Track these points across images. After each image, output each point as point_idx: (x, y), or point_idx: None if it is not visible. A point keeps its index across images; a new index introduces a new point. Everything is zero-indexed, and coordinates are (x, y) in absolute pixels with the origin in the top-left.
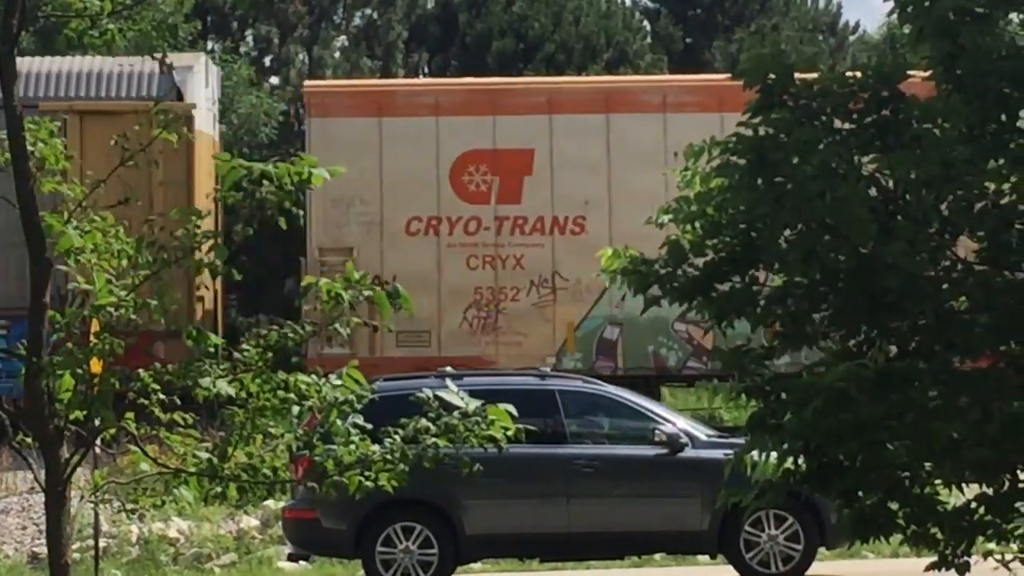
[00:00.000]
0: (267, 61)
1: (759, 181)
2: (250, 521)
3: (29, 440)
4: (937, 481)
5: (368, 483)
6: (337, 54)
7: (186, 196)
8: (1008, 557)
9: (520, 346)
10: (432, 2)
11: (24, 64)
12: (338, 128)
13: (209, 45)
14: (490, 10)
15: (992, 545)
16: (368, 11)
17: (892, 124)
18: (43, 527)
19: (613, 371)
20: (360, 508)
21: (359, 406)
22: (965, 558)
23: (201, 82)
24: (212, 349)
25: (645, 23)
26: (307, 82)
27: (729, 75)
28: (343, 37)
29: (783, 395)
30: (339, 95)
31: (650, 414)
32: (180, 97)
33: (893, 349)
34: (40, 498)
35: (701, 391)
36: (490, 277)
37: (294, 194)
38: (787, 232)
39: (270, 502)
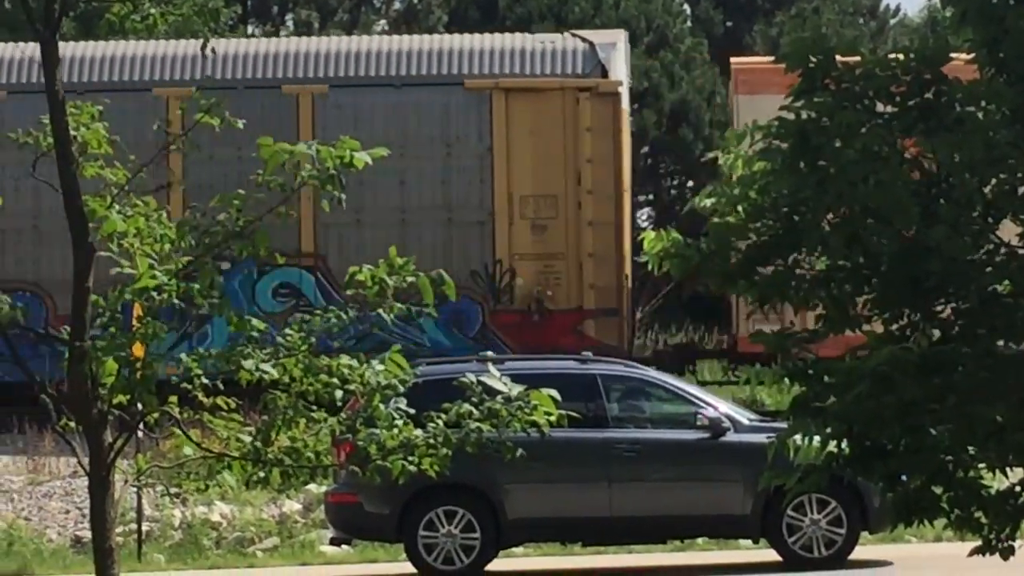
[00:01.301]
0: None
1: (802, 165)
2: (292, 505)
3: (73, 424)
4: (981, 465)
5: (411, 468)
6: None
7: (613, 173)
8: None
9: None
10: None
11: (452, 41)
12: (766, 104)
13: (249, 29)
14: None
15: None
16: None
17: (935, 107)
18: (86, 511)
19: None
20: (402, 492)
21: (402, 390)
22: (1009, 542)
23: (623, 59)
24: (255, 333)
25: (685, 6)
26: (734, 59)
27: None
28: (383, 21)
29: (826, 378)
30: (767, 72)
31: (692, 398)
32: (605, 74)
33: (936, 333)
34: (83, 482)
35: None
36: None
37: (336, 178)
38: (830, 216)
39: (312, 486)
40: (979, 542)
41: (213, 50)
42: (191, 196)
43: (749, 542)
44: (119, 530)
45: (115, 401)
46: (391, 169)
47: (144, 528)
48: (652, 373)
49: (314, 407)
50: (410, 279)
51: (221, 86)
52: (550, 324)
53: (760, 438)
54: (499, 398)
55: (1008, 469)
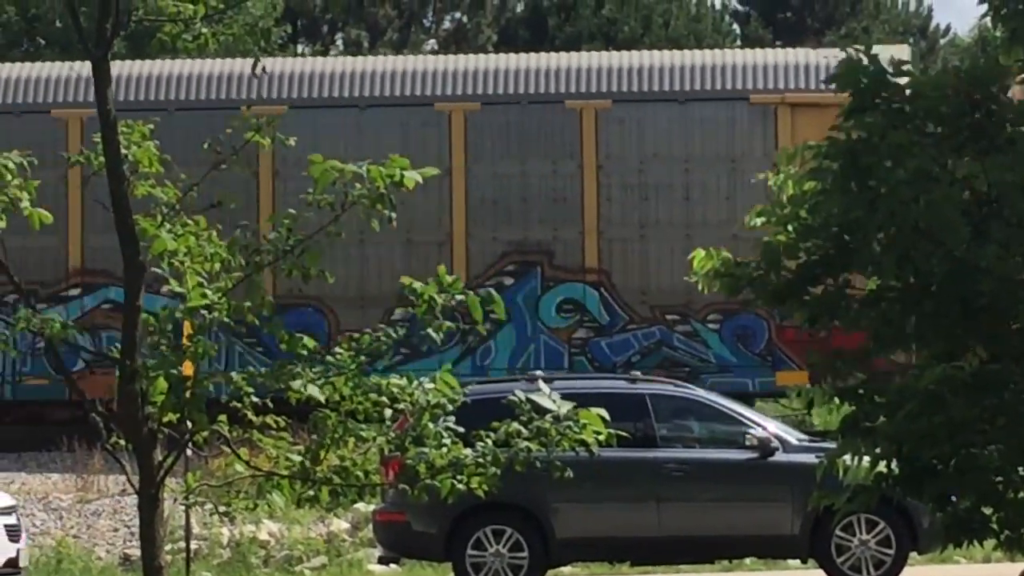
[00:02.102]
0: None
1: (852, 185)
2: (340, 524)
3: (123, 443)
4: None
5: (460, 486)
6: None
7: None
8: None
9: None
10: (522, 5)
11: (736, 56)
12: None
13: (299, 48)
14: (579, 13)
15: None
16: (458, 14)
17: (985, 127)
18: (135, 529)
19: None
20: (450, 511)
21: (451, 409)
22: None
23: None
24: (305, 352)
25: (735, 26)
26: None
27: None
28: (432, 41)
29: (876, 398)
30: None
31: (741, 418)
32: None
33: (986, 353)
34: (132, 500)
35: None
36: None
37: (386, 197)
38: (880, 236)
39: (360, 505)
40: None
41: (264, 69)
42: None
43: (798, 562)
44: (168, 548)
45: (165, 419)
46: (676, 184)
47: (192, 546)
48: (701, 392)
49: (363, 425)
50: (459, 297)
51: (505, 101)
52: (836, 339)
53: (809, 458)
54: (548, 417)
55: None
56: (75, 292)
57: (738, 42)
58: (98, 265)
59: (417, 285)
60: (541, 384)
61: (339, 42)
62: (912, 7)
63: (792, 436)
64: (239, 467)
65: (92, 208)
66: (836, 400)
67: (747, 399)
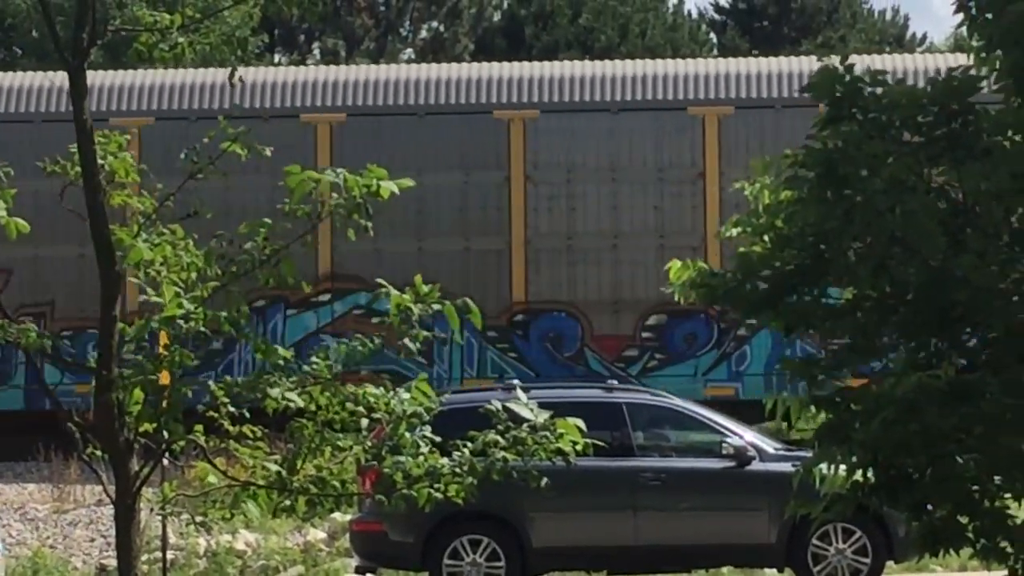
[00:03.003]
0: None
1: (828, 194)
2: (317, 533)
3: (99, 453)
4: (1007, 494)
5: (437, 495)
6: None
7: None
8: None
9: None
10: (498, 15)
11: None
12: None
13: (276, 58)
14: (556, 23)
15: None
16: (435, 24)
17: (962, 137)
18: (111, 539)
19: None
20: (427, 521)
21: (428, 418)
22: None
23: None
24: (281, 362)
25: (711, 35)
26: None
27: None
28: (409, 50)
29: (852, 406)
30: None
31: (717, 427)
32: None
33: (962, 362)
34: (108, 510)
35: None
36: None
37: (363, 206)
38: (856, 245)
39: (337, 515)
40: (1005, 572)
41: (241, 79)
42: None
43: (774, 571)
44: (144, 558)
45: (141, 429)
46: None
47: (169, 556)
48: (678, 401)
49: (340, 435)
50: (436, 307)
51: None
52: None
53: (786, 467)
54: (525, 426)
55: None
56: (325, 298)
57: (714, 51)
58: (348, 270)
59: (393, 294)
60: (518, 393)
61: (316, 51)
62: (889, 16)
63: (769, 445)
64: (215, 477)
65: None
66: (813, 408)
67: None
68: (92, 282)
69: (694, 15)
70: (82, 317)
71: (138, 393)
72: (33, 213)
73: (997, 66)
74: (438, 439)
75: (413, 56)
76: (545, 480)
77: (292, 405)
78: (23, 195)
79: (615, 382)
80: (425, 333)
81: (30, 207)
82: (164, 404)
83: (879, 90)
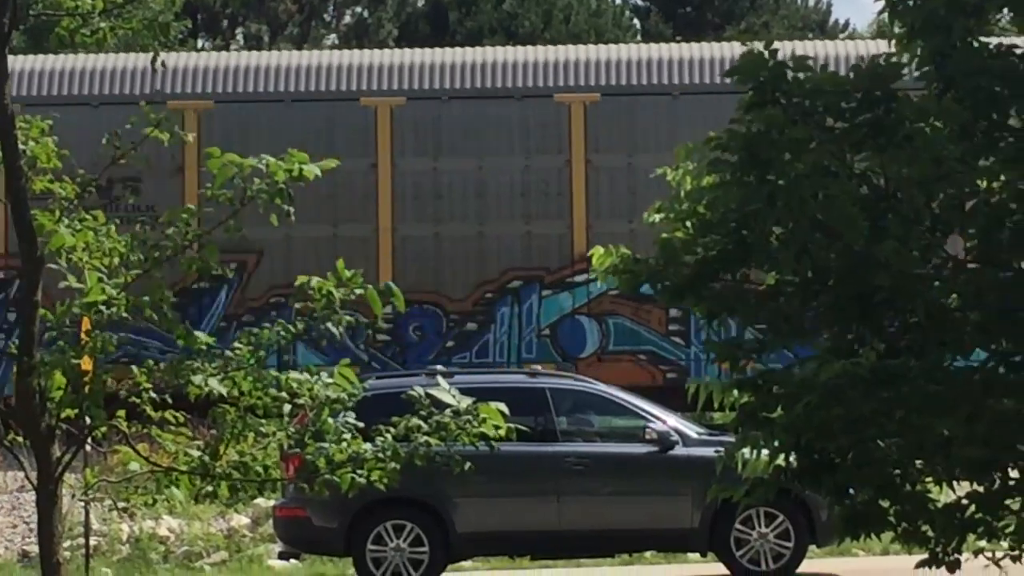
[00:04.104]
0: None
1: (751, 178)
2: (240, 519)
3: (20, 439)
4: (928, 478)
5: (360, 481)
6: None
7: None
8: (998, 555)
9: None
10: (422, 0)
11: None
12: None
13: (199, 43)
14: (480, 8)
15: (982, 543)
16: (358, 9)
17: (884, 123)
18: (34, 525)
19: None
20: (351, 506)
21: (351, 404)
22: (956, 556)
23: None
24: (203, 347)
25: (635, 21)
26: None
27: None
28: (333, 35)
29: (775, 389)
30: None
31: (641, 412)
32: None
33: (884, 347)
34: (30, 496)
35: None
36: None
37: (284, 191)
38: (778, 230)
39: (260, 500)
40: (926, 555)
41: (163, 64)
42: None
43: (697, 555)
44: (66, 544)
45: (63, 415)
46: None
47: (92, 542)
48: (601, 387)
49: (263, 421)
50: (358, 291)
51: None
52: None
53: (709, 451)
54: (448, 411)
55: (955, 483)
56: (580, 278)
57: (638, 37)
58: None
59: (315, 281)
60: (440, 379)
61: (240, 37)
62: (811, 2)
63: (691, 430)
64: (137, 463)
65: (596, 194)
66: (735, 392)
67: None
68: None
69: (618, 1)
70: None
71: (60, 379)
72: None
73: (919, 53)
74: (361, 425)
75: (336, 42)
76: (468, 464)
77: (215, 391)
78: None
79: (539, 367)
80: (348, 318)
81: None
82: (86, 390)
83: (803, 75)
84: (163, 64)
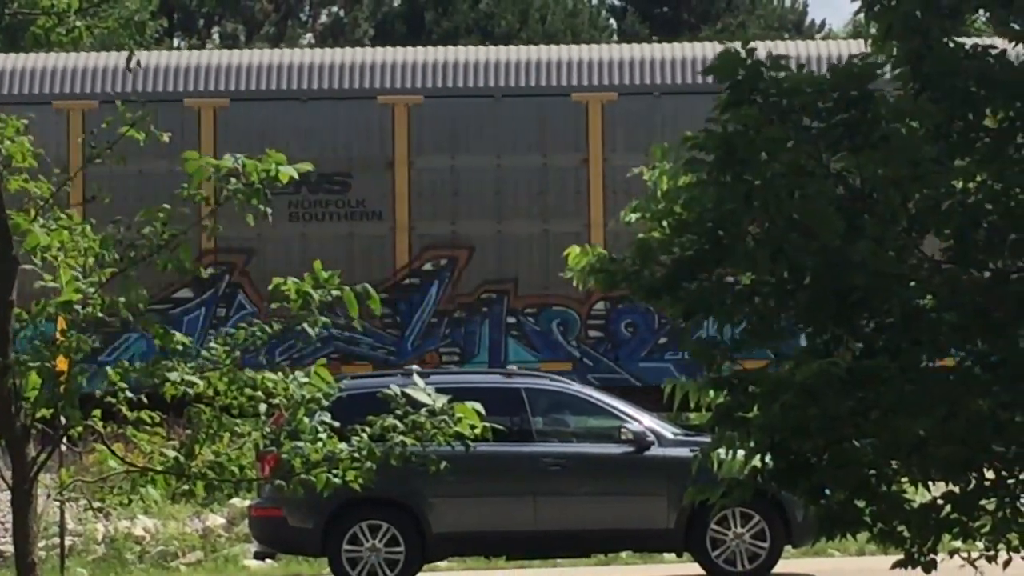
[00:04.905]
0: None
1: (727, 177)
2: (216, 519)
3: None
4: (904, 479)
5: (336, 481)
6: None
7: None
8: (974, 555)
9: None
10: (398, 0)
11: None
12: None
13: (175, 42)
14: (457, 8)
15: (958, 543)
16: (335, 9)
17: (861, 123)
18: (8, 525)
19: None
20: (326, 506)
21: (326, 404)
22: (931, 556)
23: None
24: (180, 347)
25: (611, 21)
26: None
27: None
28: (309, 35)
29: (751, 388)
30: None
31: (617, 412)
32: None
33: (860, 347)
34: (5, 496)
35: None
36: None
37: (261, 192)
38: (754, 230)
39: (236, 500)
40: (901, 556)
41: (139, 62)
42: None
43: (673, 555)
44: (41, 544)
45: (38, 415)
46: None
47: (67, 542)
48: (577, 387)
49: (238, 420)
50: (336, 293)
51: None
52: None
53: (684, 452)
54: (423, 411)
55: (930, 483)
56: None
57: (614, 37)
58: None
59: (291, 282)
60: (416, 379)
61: (216, 36)
62: (788, 3)
63: (667, 430)
64: (113, 463)
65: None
66: (711, 392)
67: None
68: None
69: (594, 1)
70: None
71: (35, 378)
72: None
73: (894, 53)
74: (337, 424)
75: (313, 41)
76: (444, 464)
77: (190, 391)
78: None
79: (515, 367)
80: (324, 319)
81: None
82: (61, 389)
83: (780, 75)
84: (138, 63)
